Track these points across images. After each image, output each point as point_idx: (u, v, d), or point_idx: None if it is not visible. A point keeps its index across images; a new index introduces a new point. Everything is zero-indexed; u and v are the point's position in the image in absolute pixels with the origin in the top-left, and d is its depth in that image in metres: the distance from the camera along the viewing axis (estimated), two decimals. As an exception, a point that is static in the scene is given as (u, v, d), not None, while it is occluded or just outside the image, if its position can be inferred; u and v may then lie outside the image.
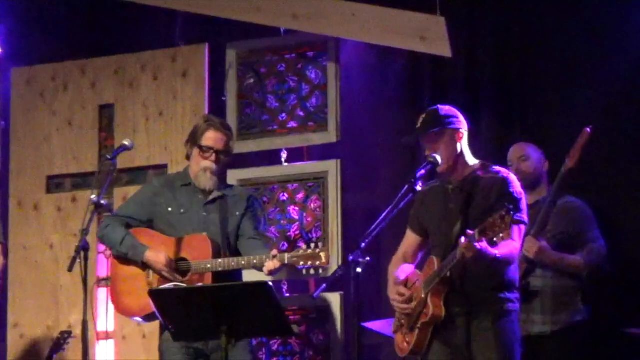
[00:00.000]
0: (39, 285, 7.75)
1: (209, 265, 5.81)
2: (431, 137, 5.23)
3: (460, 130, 5.27)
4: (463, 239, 4.91)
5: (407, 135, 5.51)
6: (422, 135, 5.26)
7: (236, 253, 5.96)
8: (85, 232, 5.53)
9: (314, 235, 7.21)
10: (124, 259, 5.99)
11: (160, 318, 5.18)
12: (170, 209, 5.99)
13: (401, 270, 5.40)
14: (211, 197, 6.00)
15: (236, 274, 5.94)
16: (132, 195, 6.24)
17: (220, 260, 5.82)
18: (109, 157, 5.94)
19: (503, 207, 4.81)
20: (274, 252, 5.77)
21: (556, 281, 6.10)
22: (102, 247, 7.66)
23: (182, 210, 5.98)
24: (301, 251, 5.78)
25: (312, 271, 5.94)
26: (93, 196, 5.66)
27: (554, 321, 6.09)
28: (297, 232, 7.28)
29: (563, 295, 6.10)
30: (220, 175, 6.11)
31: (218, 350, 5.65)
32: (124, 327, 7.43)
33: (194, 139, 6.01)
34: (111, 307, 7.23)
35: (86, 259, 5.49)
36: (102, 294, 7.53)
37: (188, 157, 6.08)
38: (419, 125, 5.27)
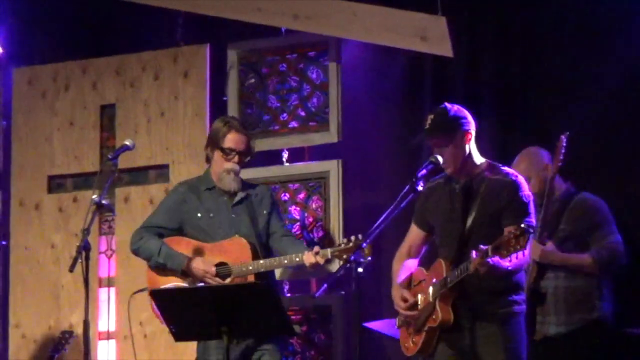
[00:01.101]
0: (41, 285, 7.75)
1: (250, 268, 5.81)
2: (440, 139, 5.21)
3: (470, 131, 5.25)
4: (474, 254, 4.93)
5: (415, 135, 5.49)
6: (431, 136, 5.25)
7: (268, 251, 5.96)
8: (86, 232, 5.52)
9: (315, 235, 7.21)
10: (162, 269, 5.98)
11: (162, 318, 5.17)
12: (199, 215, 6.00)
13: (404, 268, 5.40)
14: (237, 199, 6.00)
15: (270, 273, 5.94)
16: (159, 205, 6.22)
17: (261, 261, 5.82)
18: (110, 157, 5.93)
19: (518, 227, 4.84)
20: (316, 248, 5.77)
21: (569, 281, 6.07)
22: (103, 247, 7.68)
23: (211, 215, 5.99)
24: (343, 245, 5.76)
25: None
26: (94, 196, 5.65)
27: (569, 321, 6.05)
28: (298, 232, 7.28)
29: (577, 295, 6.06)
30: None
31: (254, 350, 5.74)
32: (125, 327, 7.42)
33: (214, 142, 6.00)
34: (112, 307, 7.24)
35: (87, 259, 5.48)
36: (104, 294, 7.53)
37: (208, 160, 6.09)
38: (427, 126, 5.24)
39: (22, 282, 7.77)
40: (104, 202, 5.66)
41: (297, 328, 7.08)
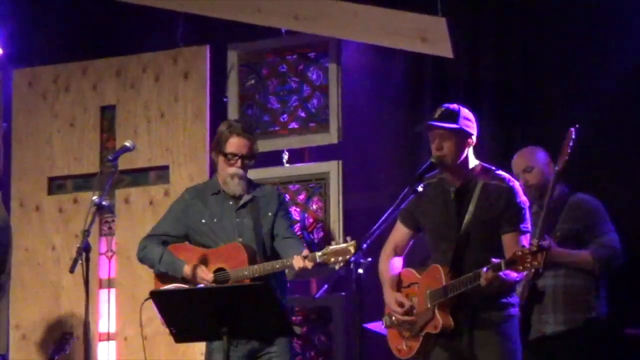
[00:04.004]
0: (41, 287, 7.75)
1: (246, 272, 5.80)
2: (444, 131, 5.17)
3: (473, 136, 5.24)
4: (485, 269, 4.93)
5: (420, 123, 5.45)
6: (435, 127, 5.19)
7: (273, 254, 5.94)
8: (86, 233, 5.52)
9: (316, 236, 7.21)
10: (165, 276, 5.99)
11: (162, 319, 5.17)
12: (203, 220, 5.99)
13: (392, 268, 5.39)
14: (242, 202, 5.99)
15: (280, 276, 5.93)
16: (166, 212, 6.22)
17: (255, 266, 5.80)
18: (110, 158, 5.93)
19: (536, 244, 4.85)
20: (305, 252, 5.75)
21: (568, 280, 6.08)
22: (103, 249, 7.68)
23: (215, 220, 5.97)
24: (330, 248, 5.73)
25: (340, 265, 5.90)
26: (95, 197, 5.65)
27: (568, 320, 6.06)
28: (298, 233, 7.27)
29: (576, 294, 6.07)
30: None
31: (263, 351, 5.76)
32: (125, 328, 7.42)
33: (218, 147, 5.99)
34: (113, 308, 7.24)
35: (88, 260, 5.48)
36: (104, 295, 7.53)
37: (215, 165, 6.10)
38: (436, 115, 5.21)
39: (22, 283, 7.76)
40: (104, 203, 5.66)
41: (297, 329, 7.07)
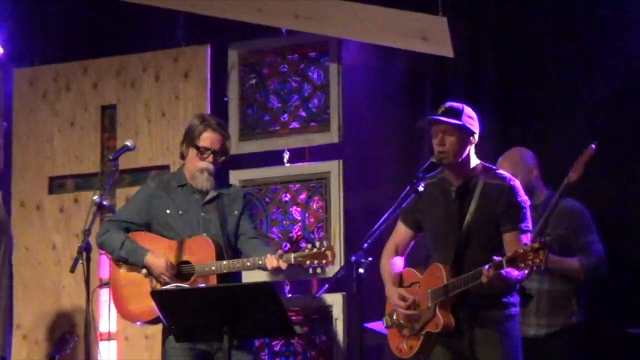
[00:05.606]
0: (41, 286, 7.75)
1: (213, 268, 5.78)
2: (447, 127, 5.17)
3: (475, 134, 5.25)
4: (487, 267, 4.92)
5: (422, 119, 5.44)
6: (438, 121, 5.19)
7: (236, 253, 5.94)
8: (87, 232, 5.53)
9: (316, 235, 7.21)
10: (124, 263, 5.97)
11: (163, 319, 5.17)
12: (168, 211, 5.97)
13: (394, 266, 5.39)
14: (208, 197, 5.98)
15: (236, 275, 5.92)
16: (129, 199, 6.22)
17: (225, 262, 5.79)
18: (111, 157, 5.94)
19: (538, 240, 4.85)
20: (280, 252, 5.74)
21: (552, 284, 6.11)
22: (104, 248, 7.68)
23: (180, 212, 5.96)
24: (307, 250, 5.74)
25: (318, 270, 5.91)
26: (95, 197, 5.66)
27: (550, 324, 6.10)
28: (299, 233, 7.28)
29: (559, 298, 6.11)
30: (216, 175, 6.09)
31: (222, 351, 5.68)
32: (126, 328, 7.42)
33: (190, 140, 5.99)
34: (113, 307, 7.24)
35: (88, 259, 5.48)
36: (105, 294, 7.53)
37: (182, 157, 6.08)
38: (439, 111, 5.21)
39: (23, 283, 7.77)
40: (105, 202, 5.67)
41: (298, 329, 7.08)
